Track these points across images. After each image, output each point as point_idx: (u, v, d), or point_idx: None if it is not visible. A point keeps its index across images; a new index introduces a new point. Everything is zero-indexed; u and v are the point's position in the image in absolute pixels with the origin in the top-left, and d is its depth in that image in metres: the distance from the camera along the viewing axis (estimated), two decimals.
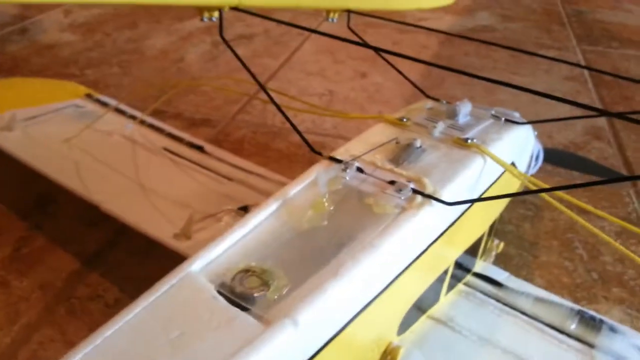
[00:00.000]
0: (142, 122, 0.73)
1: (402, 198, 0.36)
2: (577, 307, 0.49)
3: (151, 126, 0.73)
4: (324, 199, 0.35)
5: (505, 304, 0.49)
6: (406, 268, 0.35)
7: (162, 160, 0.66)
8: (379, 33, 1.27)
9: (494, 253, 0.56)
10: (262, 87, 0.46)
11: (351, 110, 0.93)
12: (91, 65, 1.09)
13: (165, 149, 0.69)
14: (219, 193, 0.59)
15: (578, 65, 1.02)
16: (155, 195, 0.58)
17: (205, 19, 0.41)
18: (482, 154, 0.43)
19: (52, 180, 0.59)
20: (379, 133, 0.46)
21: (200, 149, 0.69)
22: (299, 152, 0.79)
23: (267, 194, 0.60)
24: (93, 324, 0.50)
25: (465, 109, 0.49)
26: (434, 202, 0.36)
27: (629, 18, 1.52)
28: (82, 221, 0.64)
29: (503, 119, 0.52)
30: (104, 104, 0.78)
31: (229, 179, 0.63)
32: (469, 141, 0.44)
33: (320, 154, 0.42)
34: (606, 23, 1.47)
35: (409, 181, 0.37)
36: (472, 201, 0.41)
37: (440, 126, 0.46)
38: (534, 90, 0.35)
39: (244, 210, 0.56)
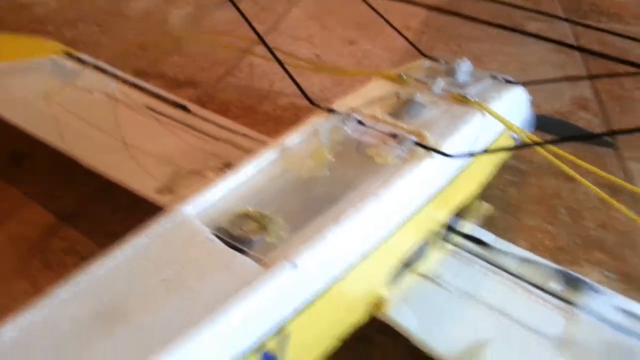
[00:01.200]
0: (125, 81, 0.71)
1: (404, 150, 0.35)
2: (561, 268, 0.49)
3: (133, 85, 0.71)
4: (325, 149, 0.34)
5: (491, 263, 0.49)
6: (405, 220, 0.35)
7: (145, 118, 0.64)
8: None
9: (482, 215, 0.56)
10: (262, 40, 0.45)
11: (335, 80, 0.92)
12: (68, 24, 1.06)
13: (148, 107, 0.67)
14: (203, 151, 0.58)
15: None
16: (138, 151, 0.56)
17: None
18: (482, 111, 0.43)
19: (29, 134, 0.57)
20: (378, 88, 0.45)
21: (184, 108, 0.68)
22: (286, 114, 0.78)
23: (247, 151, 0.60)
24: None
25: (465, 67, 0.49)
26: (435, 154, 0.35)
27: None
28: (60, 177, 0.62)
29: (502, 79, 0.52)
30: (84, 62, 0.75)
31: (214, 137, 0.62)
32: (470, 98, 0.43)
33: (318, 105, 0.41)
34: None
35: (410, 134, 0.37)
36: (473, 154, 0.40)
37: (440, 83, 0.45)
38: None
39: (228, 166, 0.55)
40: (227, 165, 0.55)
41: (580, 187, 0.68)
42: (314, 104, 0.42)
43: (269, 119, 0.77)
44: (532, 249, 0.58)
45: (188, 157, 0.56)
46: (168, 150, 0.57)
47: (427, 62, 0.54)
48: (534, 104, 0.88)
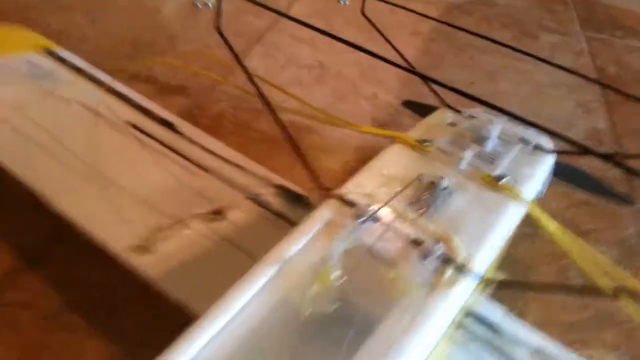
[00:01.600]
0: (109, 90, 0.64)
1: (430, 269, 0.29)
2: None
3: (118, 94, 0.64)
4: (333, 269, 0.29)
5: (501, 354, 0.44)
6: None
7: (127, 141, 0.58)
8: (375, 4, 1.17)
9: (491, 286, 0.51)
10: (260, 94, 0.38)
11: (342, 88, 0.85)
12: (54, 12, 0.97)
13: (132, 125, 0.60)
14: (190, 189, 0.52)
15: (592, 80, 0.95)
16: (115, 188, 0.50)
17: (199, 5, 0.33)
18: (517, 200, 0.37)
19: None
20: (396, 161, 0.39)
21: (171, 126, 0.61)
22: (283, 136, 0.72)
23: (243, 191, 0.54)
24: (23, 340, 0.43)
25: (495, 133, 0.43)
26: (466, 278, 0.30)
27: (632, 3, 1.45)
28: (23, 204, 0.56)
29: (531, 145, 0.46)
30: (65, 62, 0.68)
31: (203, 168, 0.56)
32: (502, 182, 0.38)
33: (328, 189, 0.35)
34: (610, 7, 1.39)
35: (437, 241, 0.31)
36: (513, 284, 0.35)
37: (468, 156, 0.39)
38: None
39: (217, 214, 0.49)
40: (217, 212, 0.50)
41: (592, 243, 0.64)
42: (324, 189, 0.36)
43: (264, 139, 0.71)
44: (543, 325, 0.53)
45: (172, 197, 0.50)
46: (149, 187, 0.51)
47: (449, 115, 0.48)
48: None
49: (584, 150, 0.28)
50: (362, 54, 0.99)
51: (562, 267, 0.60)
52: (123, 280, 0.48)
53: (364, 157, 0.70)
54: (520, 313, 0.55)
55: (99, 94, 0.63)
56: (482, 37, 0.67)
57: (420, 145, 0.40)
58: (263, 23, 1.02)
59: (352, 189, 0.34)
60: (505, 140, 0.44)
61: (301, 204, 0.55)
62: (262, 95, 0.36)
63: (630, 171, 0.28)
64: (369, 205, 0.32)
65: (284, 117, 0.77)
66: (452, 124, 0.45)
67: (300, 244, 0.30)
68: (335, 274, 0.28)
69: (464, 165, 0.38)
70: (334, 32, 1.01)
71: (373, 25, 0.55)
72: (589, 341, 0.53)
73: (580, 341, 0.52)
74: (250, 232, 0.49)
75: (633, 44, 1.22)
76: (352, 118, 0.79)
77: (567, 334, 0.53)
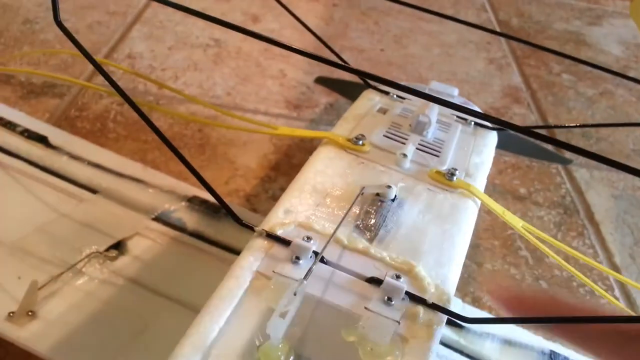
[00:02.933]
0: None
1: (399, 318, 0.22)
2: (547, 347, 0.41)
3: None
4: (275, 346, 0.20)
5: (471, 357, 0.39)
6: None
7: None
8: None
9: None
10: (119, 91, 0.28)
11: (244, 68, 0.75)
12: None
13: None
14: (76, 221, 0.41)
15: (496, 32, 0.93)
16: None
17: None
18: (472, 198, 0.31)
19: None
20: (329, 169, 0.31)
21: (43, 140, 0.49)
22: (187, 132, 0.61)
23: (147, 211, 0.44)
24: None
25: (434, 117, 0.36)
26: (441, 314, 0.23)
27: None
28: None
29: (472, 124, 0.40)
30: None
31: (90, 189, 0.45)
32: (454, 178, 0.31)
33: (252, 228, 0.26)
34: None
35: (398, 275, 0.24)
36: (493, 321, 0.29)
37: (410, 151, 0.32)
38: None
39: (116, 249, 0.39)
40: (115, 247, 0.39)
41: (531, 208, 0.61)
42: (247, 226, 0.27)
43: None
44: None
45: (54, 237, 0.39)
46: (21, 228, 0.39)
47: (376, 98, 0.41)
48: (465, 97, 0.80)
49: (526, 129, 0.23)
50: (264, 26, 0.89)
51: (507, 238, 0.56)
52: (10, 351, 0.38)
53: (283, 147, 0.62)
54: (474, 299, 0.51)
55: None
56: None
57: (352, 145, 0.32)
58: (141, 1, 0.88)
59: (282, 217, 0.26)
60: (444, 123, 0.38)
61: (222, 216, 0.46)
62: (123, 94, 0.26)
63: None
64: (308, 239, 0.24)
65: (183, 108, 0.67)
66: (382, 110, 0.39)
67: (221, 320, 0.21)
68: (281, 352, 0.20)
69: (407, 163, 0.32)
70: (224, 2, 0.90)
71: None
72: None
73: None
74: (162, 265, 0.40)
75: None
76: (262, 102, 0.70)
77: None
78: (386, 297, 0.23)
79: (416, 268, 0.24)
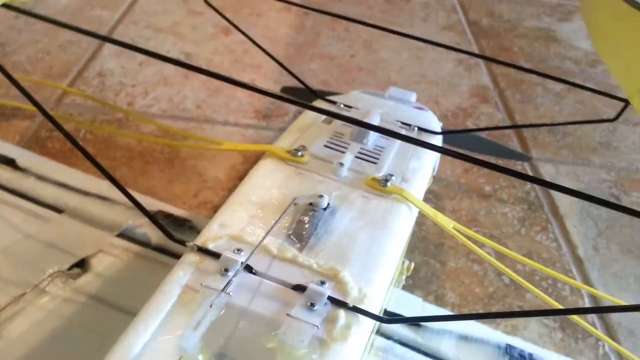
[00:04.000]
0: None
1: (319, 322, 0.23)
2: (503, 342, 0.42)
3: None
4: (198, 355, 0.22)
5: (428, 354, 0.41)
6: None
7: None
8: None
9: (404, 277, 0.47)
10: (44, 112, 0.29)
11: (215, 81, 0.77)
12: None
13: None
14: (40, 241, 0.43)
15: (474, 54, 0.94)
16: None
17: None
18: (406, 202, 0.32)
19: None
20: (267, 182, 0.32)
21: (11, 163, 0.51)
22: (156, 147, 0.63)
23: (111, 228, 0.45)
24: None
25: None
26: (362, 317, 0.24)
27: None
28: None
29: (416, 129, 0.42)
30: None
31: (56, 209, 0.46)
32: (388, 184, 0.32)
33: (182, 243, 0.28)
34: None
35: (323, 281, 0.25)
36: (411, 321, 0.30)
37: (348, 161, 0.34)
38: None
39: (80, 267, 0.41)
40: (79, 265, 0.41)
41: (495, 205, 0.63)
42: (176, 241, 0.29)
43: (133, 156, 0.62)
44: (462, 301, 0.51)
45: (17, 258, 0.41)
46: None
47: (323, 106, 0.42)
48: (433, 99, 0.82)
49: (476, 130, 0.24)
50: (234, 38, 0.91)
51: (470, 238, 0.58)
52: None
53: (251, 158, 0.63)
54: (437, 296, 0.52)
55: None
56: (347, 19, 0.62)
57: (292, 157, 0.34)
58: (113, 14, 0.90)
59: (217, 231, 0.28)
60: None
61: (186, 229, 0.47)
62: (41, 109, 0.28)
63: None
64: (239, 251, 0.26)
65: (147, 127, 0.69)
66: (328, 120, 0.40)
67: (147, 334, 0.22)
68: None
69: (344, 172, 0.33)
70: (196, 16, 0.91)
71: (228, 21, 0.48)
72: (512, 309, 0.51)
73: (504, 310, 0.51)
74: (125, 281, 0.41)
75: None
76: (232, 113, 0.71)
77: (488, 307, 0.51)
78: (309, 303, 0.24)
79: (340, 273, 0.26)
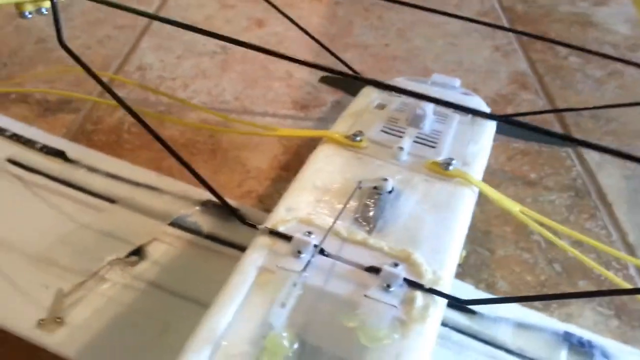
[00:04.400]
0: None
1: (397, 303, 0.23)
2: (561, 329, 0.42)
3: None
4: (280, 335, 0.22)
5: (485, 341, 0.40)
6: None
7: (8, 185, 0.47)
8: None
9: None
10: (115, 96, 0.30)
11: (251, 72, 0.77)
12: None
13: (11, 161, 0.50)
14: (96, 231, 0.43)
15: (504, 28, 0.92)
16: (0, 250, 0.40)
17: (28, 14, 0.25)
18: (470, 186, 0.32)
19: None
20: (328, 166, 0.32)
21: (61, 155, 0.51)
22: (199, 138, 0.63)
23: (163, 217, 0.46)
24: None
25: (429, 110, 0.37)
26: (438, 298, 0.24)
27: None
28: None
29: (469, 116, 0.41)
30: None
31: (108, 199, 0.47)
32: (450, 168, 0.32)
33: (255, 227, 0.28)
34: None
35: (396, 263, 0.25)
36: (493, 301, 0.30)
37: (407, 144, 0.33)
38: None
39: (136, 255, 0.41)
40: (135, 253, 0.41)
41: (542, 193, 0.62)
42: (248, 225, 0.29)
43: (177, 148, 0.62)
44: (514, 289, 0.50)
45: (76, 246, 0.41)
46: (44, 239, 0.41)
47: (374, 94, 0.42)
48: (471, 87, 0.80)
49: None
50: (268, 30, 0.91)
51: (519, 224, 0.57)
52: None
53: (292, 148, 0.63)
54: (488, 285, 0.51)
55: None
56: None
57: (350, 142, 0.34)
58: (148, 9, 0.91)
59: (284, 214, 0.28)
60: (442, 115, 0.39)
61: (235, 219, 0.48)
62: (127, 108, 0.28)
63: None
64: (309, 234, 0.26)
65: (194, 115, 0.69)
66: (381, 106, 0.40)
67: (229, 314, 0.22)
68: (285, 340, 0.21)
69: (404, 156, 0.33)
70: (228, 9, 0.91)
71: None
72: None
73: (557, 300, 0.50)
74: (180, 268, 0.41)
75: None
76: (269, 104, 0.71)
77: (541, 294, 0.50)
78: (385, 285, 0.24)
79: (413, 255, 0.26)
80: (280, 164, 0.60)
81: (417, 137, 0.36)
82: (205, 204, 0.47)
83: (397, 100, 0.42)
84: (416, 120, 0.37)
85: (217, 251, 0.44)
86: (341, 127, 0.37)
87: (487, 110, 0.49)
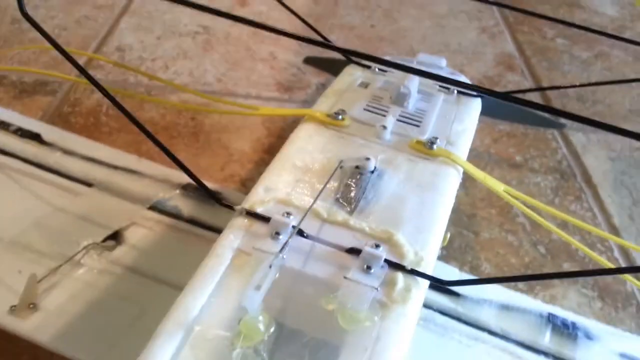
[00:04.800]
0: None
1: (377, 285, 0.22)
2: (545, 310, 0.42)
3: None
4: (256, 318, 0.21)
5: (469, 323, 0.40)
6: None
7: None
8: None
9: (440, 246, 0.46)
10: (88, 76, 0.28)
11: (234, 53, 0.75)
12: None
13: None
14: (73, 214, 0.42)
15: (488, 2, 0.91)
16: None
17: None
18: (454, 165, 0.31)
19: None
20: (309, 145, 0.31)
21: (37, 137, 0.50)
22: (180, 120, 0.62)
23: (142, 201, 0.45)
24: None
25: (414, 88, 0.36)
26: (420, 279, 0.24)
27: None
28: None
29: (454, 91, 0.40)
30: None
31: (85, 183, 0.46)
32: (434, 146, 0.31)
33: (232, 207, 0.27)
34: None
35: (377, 244, 0.24)
36: (471, 282, 0.30)
37: (390, 123, 0.32)
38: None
39: (114, 239, 0.40)
40: (113, 237, 0.40)
41: (527, 175, 0.61)
42: (225, 206, 0.28)
43: (157, 131, 0.61)
44: (498, 271, 0.50)
45: (52, 231, 0.40)
46: (19, 224, 0.40)
47: (357, 72, 0.41)
48: (457, 67, 0.79)
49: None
50: (252, 9, 0.89)
51: (504, 206, 0.56)
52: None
53: (276, 130, 0.62)
54: (472, 267, 0.51)
55: None
56: None
57: (332, 120, 0.33)
58: None
59: (262, 195, 0.27)
60: (426, 93, 0.38)
61: (214, 201, 0.47)
62: (99, 87, 0.27)
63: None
64: (288, 215, 0.25)
65: (175, 97, 0.68)
66: (364, 84, 0.39)
67: (203, 297, 0.22)
68: (261, 324, 0.21)
69: (388, 135, 0.32)
70: None
71: None
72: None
73: (541, 282, 0.50)
74: (159, 252, 0.40)
75: None
76: (253, 86, 0.70)
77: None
78: (365, 266, 0.23)
79: (395, 236, 0.25)
80: (263, 147, 0.59)
81: (401, 116, 0.35)
82: (185, 188, 0.46)
83: (380, 78, 0.41)
84: (400, 99, 0.36)
85: (198, 235, 0.43)
86: (323, 105, 0.36)
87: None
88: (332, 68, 0.69)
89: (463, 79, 0.48)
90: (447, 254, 0.51)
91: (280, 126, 0.62)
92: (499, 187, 0.33)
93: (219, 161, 0.58)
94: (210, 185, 0.49)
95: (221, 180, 0.56)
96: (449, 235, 0.47)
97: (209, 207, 0.45)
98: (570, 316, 0.42)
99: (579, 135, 0.68)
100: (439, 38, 0.85)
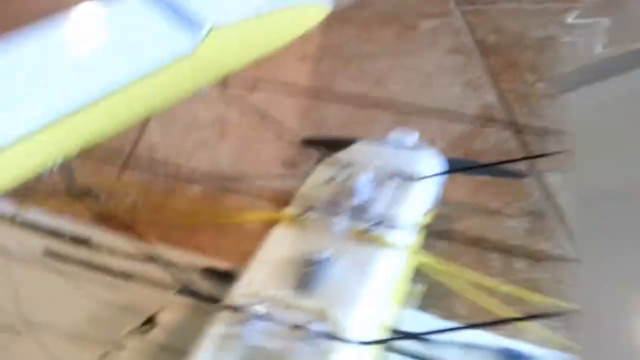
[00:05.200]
0: (13, 220, 0.64)
1: (318, 353, 0.32)
2: (502, 345, 0.49)
3: (28, 224, 0.64)
4: None
5: None
6: None
7: (45, 275, 0.58)
8: None
9: (417, 299, 0.54)
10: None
11: (245, 138, 0.88)
12: None
13: (47, 252, 0.61)
14: (116, 306, 0.54)
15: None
16: (42, 331, 0.51)
17: None
18: (387, 246, 0.41)
19: None
20: (280, 245, 0.41)
21: (86, 243, 0.62)
22: (201, 211, 0.74)
23: (170, 287, 0.55)
24: None
25: (363, 183, 0.45)
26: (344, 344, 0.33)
27: None
28: None
29: (409, 175, 0.49)
30: None
31: (125, 276, 0.57)
32: (371, 232, 0.41)
33: (217, 301, 0.37)
34: None
35: (314, 318, 0.34)
36: (384, 341, 0.38)
37: (342, 217, 0.42)
38: None
39: (149, 323, 0.51)
40: (148, 322, 0.51)
41: (503, 220, 0.69)
42: (213, 301, 0.38)
43: (182, 217, 0.73)
44: (472, 315, 0.57)
45: (101, 321, 0.52)
46: (76, 319, 0.52)
47: (327, 170, 0.50)
48: (443, 124, 0.88)
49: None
50: (259, 96, 1.01)
51: (481, 253, 0.64)
52: None
53: (283, 203, 0.72)
54: (449, 310, 0.59)
55: (4, 229, 0.63)
56: None
57: (298, 220, 0.43)
58: None
59: (243, 289, 0.37)
60: (380, 181, 0.47)
61: (229, 279, 0.57)
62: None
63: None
64: (256, 304, 0.35)
65: (197, 188, 0.80)
66: (330, 180, 0.48)
67: None
68: None
69: (340, 227, 0.41)
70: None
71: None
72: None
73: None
74: (185, 329, 0.51)
75: (505, 6, 1.28)
76: (261, 165, 0.81)
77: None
78: (308, 339, 0.33)
79: (327, 310, 0.34)
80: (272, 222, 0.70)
81: (354, 207, 0.44)
82: (203, 270, 0.57)
83: (344, 173, 0.50)
84: (353, 193, 0.45)
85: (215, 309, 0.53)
86: (294, 206, 0.46)
87: (438, 161, 0.55)
88: (328, 146, 0.80)
89: (429, 153, 0.55)
90: (427, 302, 0.58)
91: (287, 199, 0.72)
92: (428, 259, 0.42)
93: (236, 240, 0.69)
94: (227, 265, 0.60)
95: (240, 257, 0.67)
96: (424, 287, 0.55)
97: (224, 285, 0.55)
98: (528, 349, 0.49)
99: (555, 177, 0.74)
100: (424, 97, 0.95)
